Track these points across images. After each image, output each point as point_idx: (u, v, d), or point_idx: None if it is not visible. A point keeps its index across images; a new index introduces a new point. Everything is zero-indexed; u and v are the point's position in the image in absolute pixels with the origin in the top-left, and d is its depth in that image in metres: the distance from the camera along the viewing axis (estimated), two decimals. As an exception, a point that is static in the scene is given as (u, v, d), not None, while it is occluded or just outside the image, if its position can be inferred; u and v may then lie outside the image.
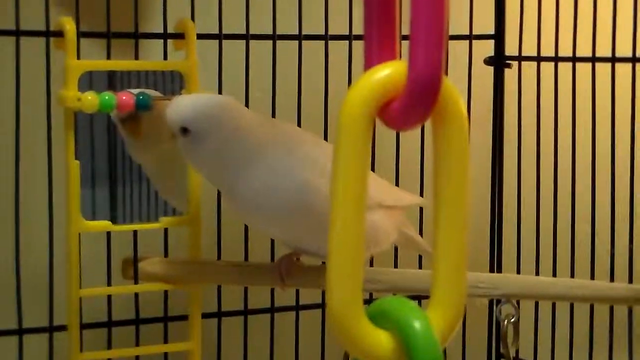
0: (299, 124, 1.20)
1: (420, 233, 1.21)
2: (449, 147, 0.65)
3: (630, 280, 1.16)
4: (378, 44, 0.65)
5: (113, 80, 1.12)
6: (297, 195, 1.04)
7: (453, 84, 0.63)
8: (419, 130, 1.26)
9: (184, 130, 1.04)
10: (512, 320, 1.14)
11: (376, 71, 0.63)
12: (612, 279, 1.18)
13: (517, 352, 1.13)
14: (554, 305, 1.26)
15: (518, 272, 1.29)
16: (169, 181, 1.14)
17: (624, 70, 1.18)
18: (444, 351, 1.27)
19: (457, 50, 1.28)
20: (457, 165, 0.65)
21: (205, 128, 1.04)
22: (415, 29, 0.61)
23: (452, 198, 0.66)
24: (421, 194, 1.23)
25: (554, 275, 1.23)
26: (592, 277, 1.19)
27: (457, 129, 0.64)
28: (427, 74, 0.61)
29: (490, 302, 1.30)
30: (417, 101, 0.62)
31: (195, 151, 1.05)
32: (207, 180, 1.09)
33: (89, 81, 1.09)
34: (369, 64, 0.65)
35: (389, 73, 0.63)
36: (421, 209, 1.22)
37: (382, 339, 0.65)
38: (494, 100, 1.34)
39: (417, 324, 0.64)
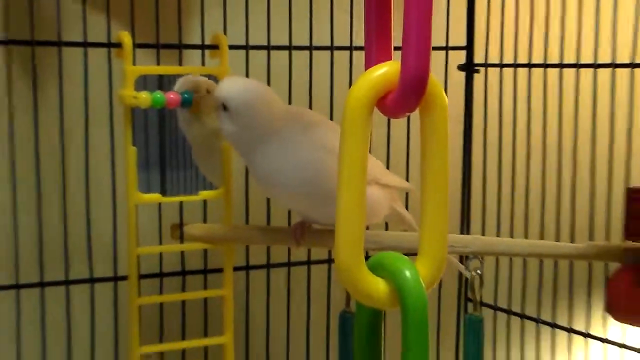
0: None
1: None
2: (433, 131, 0.65)
3: (572, 240, 1.14)
4: (376, 49, 0.66)
5: (163, 82, 1.11)
6: (307, 171, 1.03)
7: (437, 82, 0.63)
8: (405, 127, 1.25)
9: (224, 107, 1.02)
10: (478, 272, 1.12)
11: (375, 69, 0.63)
12: (557, 239, 1.16)
13: (481, 297, 1.11)
14: (510, 260, 1.25)
15: (483, 234, 1.29)
16: (209, 159, 1.12)
17: (568, 73, 1.17)
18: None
19: (436, 59, 1.27)
20: (440, 145, 0.65)
21: (239, 107, 1.02)
22: (407, 36, 0.61)
23: (436, 172, 0.67)
24: (407, 180, 1.22)
25: (512, 236, 1.22)
26: (542, 237, 1.18)
27: (440, 116, 0.64)
28: (417, 72, 0.61)
29: (461, 258, 1.29)
30: (408, 94, 0.62)
31: (230, 125, 1.03)
32: (236, 150, 1.07)
33: (143, 83, 1.08)
34: (369, 65, 0.65)
35: (386, 71, 0.62)
36: (407, 193, 1.20)
37: (379, 285, 0.65)
38: (465, 98, 1.33)
39: (407, 273, 0.64)
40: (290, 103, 1.19)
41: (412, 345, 0.63)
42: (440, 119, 0.64)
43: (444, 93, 0.63)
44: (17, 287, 1.09)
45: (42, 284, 1.11)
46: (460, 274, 1.33)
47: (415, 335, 0.63)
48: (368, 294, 0.64)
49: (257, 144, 1.03)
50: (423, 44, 0.60)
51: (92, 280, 1.13)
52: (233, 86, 1.03)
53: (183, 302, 1.16)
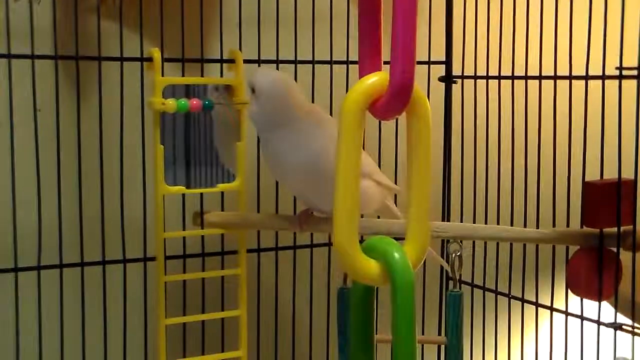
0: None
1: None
2: (417, 132, 0.65)
3: (537, 226, 1.14)
4: (368, 62, 0.65)
5: (189, 90, 1.11)
6: (315, 157, 1.02)
7: (420, 90, 0.63)
8: (394, 135, 1.25)
9: (252, 90, 1.03)
10: (457, 254, 1.12)
11: (368, 78, 0.63)
12: (525, 226, 1.16)
13: (460, 276, 1.11)
14: (485, 244, 1.25)
15: (461, 221, 1.28)
16: (228, 151, 1.12)
17: (531, 83, 1.16)
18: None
19: (419, 72, 1.24)
20: (423, 145, 0.66)
21: (263, 91, 1.02)
22: (395, 50, 0.61)
23: (420, 167, 0.66)
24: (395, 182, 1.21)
25: (486, 223, 1.21)
26: (512, 224, 1.17)
27: (423, 119, 0.65)
28: (403, 80, 0.61)
29: (442, 241, 1.28)
30: (396, 99, 0.62)
31: (255, 106, 1.03)
32: (257, 129, 1.07)
33: (171, 91, 1.08)
34: (362, 74, 0.64)
35: (377, 80, 0.62)
36: (395, 195, 1.20)
37: (372, 265, 0.65)
38: (445, 106, 1.33)
39: (396, 254, 0.64)
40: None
41: (401, 317, 0.63)
42: (423, 122, 0.64)
43: (426, 99, 0.63)
44: (61, 266, 1.09)
45: (82, 264, 1.11)
46: (442, 256, 1.33)
47: (403, 308, 0.63)
48: (362, 272, 0.64)
49: (276, 127, 1.03)
50: (408, 56, 0.60)
51: (124, 261, 1.13)
52: (263, 74, 1.05)
53: (203, 280, 1.16)
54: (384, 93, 0.61)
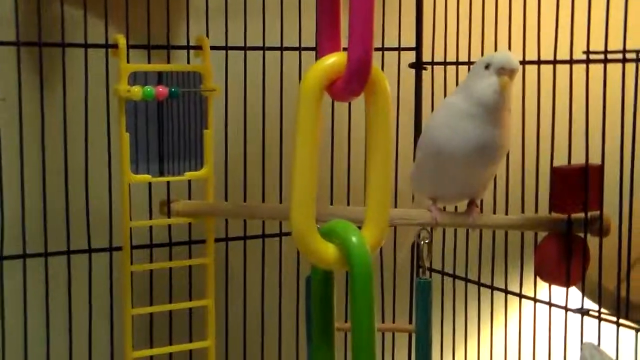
0: (281, 105, 1.18)
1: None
2: (377, 113, 0.64)
3: (506, 213, 1.14)
4: (326, 41, 0.64)
5: (161, 78, 1.10)
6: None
7: (380, 70, 0.61)
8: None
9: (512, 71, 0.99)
10: (427, 241, 1.11)
11: (325, 59, 0.62)
12: (494, 212, 1.15)
13: (430, 263, 1.11)
14: (454, 231, 1.24)
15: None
16: None
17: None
18: (382, 263, 1.27)
19: (389, 58, 1.26)
20: (383, 126, 0.64)
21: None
22: (352, 29, 0.60)
23: (379, 150, 0.65)
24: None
25: (456, 210, 1.21)
26: (481, 211, 1.16)
27: (383, 100, 0.63)
28: (361, 59, 0.60)
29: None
30: (354, 80, 0.61)
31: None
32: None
33: (134, 78, 1.07)
34: (320, 55, 0.63)
35: (334, 60, 0.61)
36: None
37: (330, 249, 0.64)
38: (415, 92, 1.32)
39: (354, 238, 0.63)
40: (264, 96, 1.18)
41: (359, 301, 0.62)
42: (382, 102, 0.63)
43: (385, 80, 0.62)
44: (24, 256, 1.07)
45: (46, 254, 1.09)
46: (413, 244, 1.32)
47: (362, 292, 0.62)
48: (320, 256, 0.63)
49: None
50: (366, 34, 0.59)
51: (90, 251, 1.11)
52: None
53: (170, 270, 1.15)
54: (342, 74, 0.60)
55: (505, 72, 0.98)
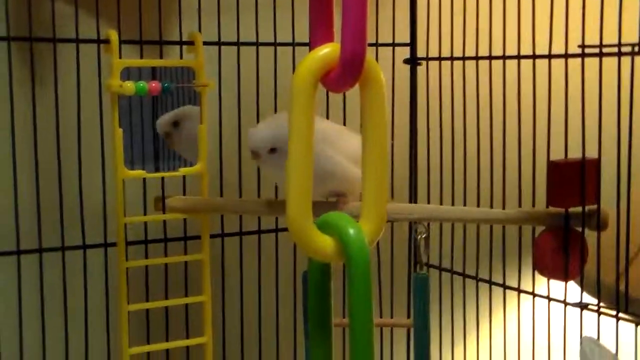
0: (275, 101, 1.18)
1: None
2: (372, 104, 0.63)
3: (504, 207, 1.13)
4: (320, 33, 0.63)
5: (143, 73, 1.09)
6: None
7: (374, 60, 0.61)
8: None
9: (273, 150, 1.03)
10: (424, 236, 1.11)
11: (319, 50, 0.61)
12: (491, 207, 1.14)
13: (428, 258, 1.10)
14: (452, 227, 1.24)
15: (428, 202, 1.27)
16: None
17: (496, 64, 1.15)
18: (379, 258, 1.26)
19: (384, 54, 1.25)
20: (378, 117, 0.63)
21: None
22: (346, 19, 0.59)
23: (375, 141, 0.64)
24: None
25: (452, 204, 1.20)
26: (478, 205, 1.16)
27: (378, 91, 0.62)
28: (355, 49, 0.59)
29: (410, 224, 1.28)
30: (348, 69, 0.60)
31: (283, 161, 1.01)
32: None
33: (127, 74, 1.06)
34: (313, 46, 0.62)
35: (328, 51, 0.60)
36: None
37: (327, 242, 0.62)
38: (410, 87, 1.31)
39: (351, 230, 0.61)
40: (257, 91, 1.17)
41: (357, 294, 0.61)
42: (377, 93, 0.62)
43: (380, 70, 0.61)
44: (18, 253, 1.07)
45: (40, 250, 1.08)
46: (410, 238, 1.32)
47: (359, 284, 0.61)
48: (316, 249, 0.62)
49: None
50: (360, 25, 0.58)
51: (84, 247, 1.10)
52: (273, 130, 1.03)
53: (166, 266, 1.14)
54: (336, 64, 0.59)
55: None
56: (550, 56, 1.06)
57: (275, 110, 1.17)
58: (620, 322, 1.02)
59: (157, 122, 1.12)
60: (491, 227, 1.18)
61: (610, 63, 1.00)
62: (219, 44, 1.15)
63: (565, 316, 1.08)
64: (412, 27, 1.30)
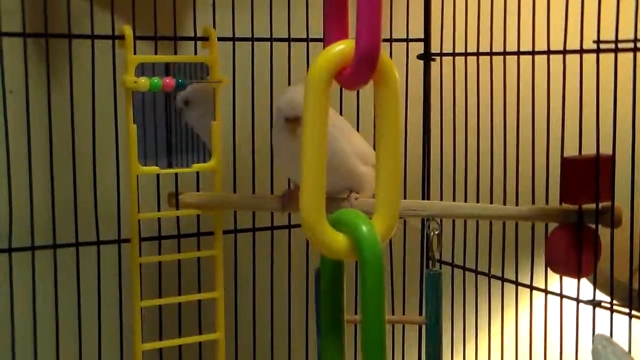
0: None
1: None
2: (386, 101, 0.62)
3: (517, 204, 1.13)
4: (334, 30, 0.62)
5: (158, 69, 1.09)
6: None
7: (388, 57, 0.60)
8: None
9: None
10: (437, 232, 1.11)
11: (334, 47, 0.60)
12: (504, 203, 1.14)
13: (440, 254, 1.10)
14: (464, 223, 1.24)
15: (441, 199, 1.27)
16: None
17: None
18: (391, 255, 1.26)
19: (397, 49, 1.25)
20: (392, 114, 0.62)
21: None
22: (360, 16, 0.58)
23: (389, 139, 0.63)
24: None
25: (465, 201, 1.20)
26: (491, 202, 1.16)
27: (392, 87, 0.61)
28: (369, 46, 0.59)
29: (423, 220, 1.27)
30: (362, 67, 0.59)
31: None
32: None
33: (142, 70, 1.06)
34: (327, 42, 0.61)
35: (343, 47, 0.60)
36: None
37: (340, 239, 0.62)
38: (424, 83, 1.31)
39: (364, 227, 0.61)
40: (271, 86, 1.17)
41: (369, 291, 0.61)
42: (391, 90, 0.61)
43: (394, 67, 0.61)
44: (32, 248, 1.07)
45: (55, 246, 1.08)
46: (422, 235, 1.32)
47: (372, 281, 0.61)
48: (329, 246, 0.62)
49: None
50: (375, 21, 0.58)
51: (98, 243, 1.11)
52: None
53: (179, 262, 1.14)
54: (351, 61, 0.59)
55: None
56: (565, 52, 1.06)
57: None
58: (634, 319, 1.01)
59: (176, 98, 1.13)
60: (504, 223, 1.17)
61: (625, 59, 0.99)
62: (233, 39, 1.15)
63: (577, 313, 1.07)
64: (426, 22, 1.30)
